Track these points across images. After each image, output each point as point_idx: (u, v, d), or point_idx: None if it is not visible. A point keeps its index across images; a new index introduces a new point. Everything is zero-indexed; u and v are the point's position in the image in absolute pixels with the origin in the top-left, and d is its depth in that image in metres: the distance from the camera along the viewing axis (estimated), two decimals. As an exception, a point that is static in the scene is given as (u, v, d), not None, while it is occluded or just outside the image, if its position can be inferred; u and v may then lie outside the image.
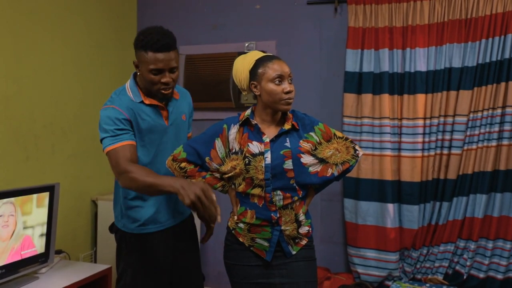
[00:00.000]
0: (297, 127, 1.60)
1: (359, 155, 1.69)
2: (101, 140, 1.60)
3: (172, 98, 1.76)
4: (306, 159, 1.58)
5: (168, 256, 1.78)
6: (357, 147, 1.69)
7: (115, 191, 1.78)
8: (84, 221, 2.77)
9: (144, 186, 1.47)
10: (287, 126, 1.59)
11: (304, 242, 1.62)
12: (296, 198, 1.58)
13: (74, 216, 2.69)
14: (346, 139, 1.67)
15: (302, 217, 1.61)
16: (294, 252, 1.60)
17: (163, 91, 1.61)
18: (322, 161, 1.61)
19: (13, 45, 2.25)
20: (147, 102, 1.66)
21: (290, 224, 1.58)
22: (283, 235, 1.58)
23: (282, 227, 1.57)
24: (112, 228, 1.79)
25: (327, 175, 1.62)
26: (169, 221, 1.78)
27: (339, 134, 1.68)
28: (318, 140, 1.61)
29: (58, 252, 2.40)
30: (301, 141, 1.59)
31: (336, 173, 1.63)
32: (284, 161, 1.54)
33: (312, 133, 1.62)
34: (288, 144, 1.56)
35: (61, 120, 2.56)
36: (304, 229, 1.61)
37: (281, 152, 1.55)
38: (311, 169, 1.59)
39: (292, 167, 1.55)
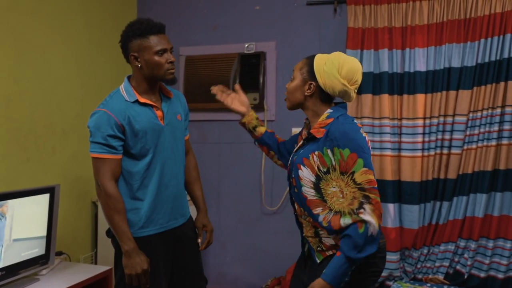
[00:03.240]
0: (317, 136, 1.43)
1: (361, 217, 1.31)
2: (90, 141, 1.65)
3: (166, 97, 1.78)
4: (305, 173, 1.43)
5: (168, 260, 1.77)
6: (365, 206, 1.32)
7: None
8: (84, 223, 2.77)
9: (109, 218, 1.62)
10: (312, 133, 1.46)
11: (330, 252, 1.46)
12: (302, 209, 1.50)
13: (75, 218, 2.68)
14: (362, 189, 1.33)
15: (323, 232, 1.46)
16: (318, 261, 1.49)
17: (170, 71, 1.68)
18: (319, 191, 1.42)
19: (14, 45, 2.25)
20: (142, 100, 1.67)
21: (311, 234, 1.51)
22: (308, 241, 1.54)
23: (304, 233, 1.54)
24: (109, 233, 1.77)
25: (313, 211, 1.43)
26: (170, 223, 1.77)
27: (359, 178, 1.34)
28: (333, 163, 1.38)
29: (59, 253, 2.39)
30: (315, 152, 1.42)
31: (321, 220, 1.41)
32: (296, 168, 1.49)
33: (329, 151, 1.39)
34: (303, 151, 1.48)
35: (62, 121, 2.56)
36: (329, 241, 1.46)
37: (296, 158, 1.51)
38: (303, 189, 1.45)
39: (294, 176, 1.50)
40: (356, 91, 1.49)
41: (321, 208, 1.42)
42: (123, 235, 1.61)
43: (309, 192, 1.45)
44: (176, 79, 1.76)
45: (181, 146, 1.82)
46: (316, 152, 1.42)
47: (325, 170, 1.40)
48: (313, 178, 1.43)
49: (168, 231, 1.76)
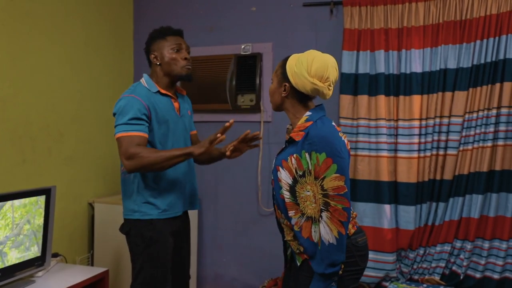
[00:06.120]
0: (296, 139, 1.44)
1: (320, 225, 1.35)
2: (116, 126, 1.70)
3: (180, 94, 1.95)
4: (283, 175, 1.44)
5: (170, 253, 1.86)
6: (323, 214, 1.35)
7: (127, 186, 1.82)
8: (80, 224, 2.76)
9: (158, 162, 1.62)
10: (292, 136, 1.46)
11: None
12: (280, 212, 1.52)
13: (71, 219, 2.68)
14: (325, 195, 1.35)
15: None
16: (298, 263, 1.51)
17: (187, 67, 1.84)
18: (293, 194, 1.42)
19: (10, 47, 2.25)
20: (163, 91, 1.81)
21: (291, 238, 1.52)
22: (290, 245, 1.53)
23: (286, 238, 1.54)
24: (124, 229, 1.84)
25: (289, 214, 1.44)
26: (185, 207, 1.90)
27: (327, 184, 1.34)
28: (309, 167, 1.38)
29: (55, 255, 2.39)
30: (293, 154, 1.43)
31: (294, 223, 1.42)
32: (275, 170, 1.51)
33: (307, 154, 1.39)
34: (283, 154, 1.50)
35: (58, 123, 2.55)
36: None
37: (276, 160, 1.53)
38: (280, 192, 1.46)
39: (273, 178, 1.51)
40: (330, 87, 1.47)
41: (294, 211, 1.43)
42: (175, 151, 1.65)
43: (285, 194, 1.45)
44: (192, 77, 1.89)
45: (189, 138, 1.97)
46: (295, 155, 1.42)
47: (301, 173, 1.40)
48: (290, 181, 1.44)
49: (178, 217, 1.87)
